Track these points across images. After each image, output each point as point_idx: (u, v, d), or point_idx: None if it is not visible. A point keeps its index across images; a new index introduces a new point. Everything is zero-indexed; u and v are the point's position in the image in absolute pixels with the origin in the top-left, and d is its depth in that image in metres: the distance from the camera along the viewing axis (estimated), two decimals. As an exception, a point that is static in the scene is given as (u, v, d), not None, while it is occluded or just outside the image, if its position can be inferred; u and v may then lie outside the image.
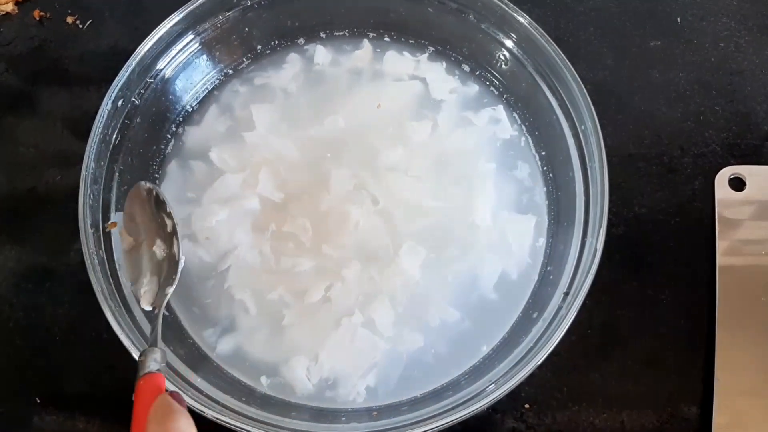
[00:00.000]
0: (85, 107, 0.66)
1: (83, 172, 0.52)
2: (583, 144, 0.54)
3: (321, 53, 0.63)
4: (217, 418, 0.46)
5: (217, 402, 0.48)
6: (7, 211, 0.64)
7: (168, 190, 0.59)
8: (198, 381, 0.50)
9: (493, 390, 0.48)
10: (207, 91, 0.62)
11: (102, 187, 0.54)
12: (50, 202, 0.64)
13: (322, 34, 0.63)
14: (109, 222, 0.54)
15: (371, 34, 0.63)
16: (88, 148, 0.53)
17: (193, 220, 0.57)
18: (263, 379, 0.54)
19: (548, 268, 0.56)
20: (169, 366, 0.49)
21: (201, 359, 0.54)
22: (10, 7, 0.70)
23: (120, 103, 0.55)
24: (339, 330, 0.54)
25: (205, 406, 0.46)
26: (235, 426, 0.46)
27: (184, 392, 0.47)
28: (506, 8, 0.56)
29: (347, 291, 0.55)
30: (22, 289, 0.61)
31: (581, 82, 0.54)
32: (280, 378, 0.54)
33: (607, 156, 0.53)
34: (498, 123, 0.61)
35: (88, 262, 0.50)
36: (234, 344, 0.55)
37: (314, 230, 0.56)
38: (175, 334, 0.55)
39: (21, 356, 0.59)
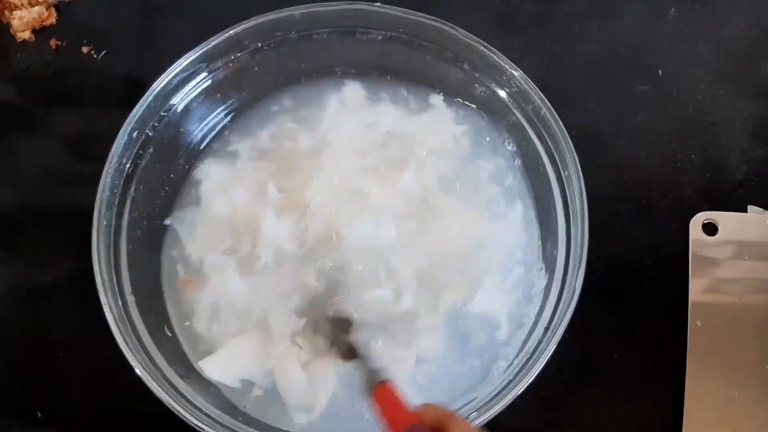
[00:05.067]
0: (96, 132, 0.67)
1: (98, 198, 0.55)
2: (566, 188, 0.57)
3: (351, 90, 0.65)
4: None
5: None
6: (15, 228, 0.66)
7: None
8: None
9: (475, 418, 0.50)
10: (216, 125, 0.64)
11: (114, 213, 0.56)
12: (58, 222, 0.65)
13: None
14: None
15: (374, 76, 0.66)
16: (103, 176, 0.55)
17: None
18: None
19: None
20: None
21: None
22: (27, 35, 0.72)
23: (135, 134, 0.58)
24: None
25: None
26: None
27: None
28: (499, 61, 0.60)
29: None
30: (26, 303, 0.63)
31: (566, 131, 0.58)
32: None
33: (588, 196, 0.55)
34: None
35: (99, 285, 0.52)
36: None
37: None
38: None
39: (23, 370, 0.61)
